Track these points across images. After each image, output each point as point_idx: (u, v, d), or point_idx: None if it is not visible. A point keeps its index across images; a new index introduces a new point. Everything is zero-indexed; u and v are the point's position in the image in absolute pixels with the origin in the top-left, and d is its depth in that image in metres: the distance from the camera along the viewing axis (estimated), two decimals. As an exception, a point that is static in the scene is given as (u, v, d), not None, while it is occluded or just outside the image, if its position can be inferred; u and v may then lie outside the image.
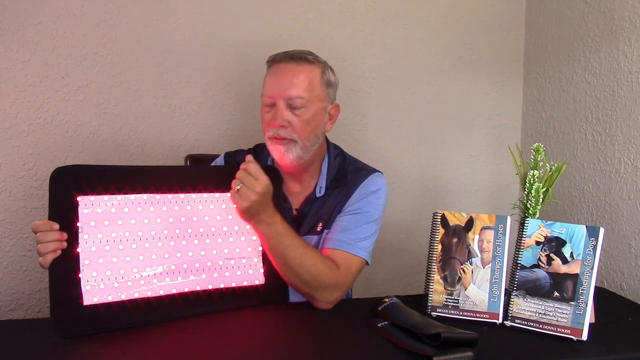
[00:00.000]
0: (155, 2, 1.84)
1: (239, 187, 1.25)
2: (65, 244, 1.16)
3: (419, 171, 2.12)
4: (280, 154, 1.37)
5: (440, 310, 1.33)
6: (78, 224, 1.18)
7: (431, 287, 1.35)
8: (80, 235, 1.18)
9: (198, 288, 1.27)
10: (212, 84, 1.91)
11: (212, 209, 1.30)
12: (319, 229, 1.43)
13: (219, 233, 1.29)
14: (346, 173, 1.46)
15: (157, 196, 1.24)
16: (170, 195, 1.26)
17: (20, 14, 1.75)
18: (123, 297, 1.20)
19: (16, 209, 1.79)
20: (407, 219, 2.12)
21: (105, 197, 1.20)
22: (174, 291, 1.25)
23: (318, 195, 1.44)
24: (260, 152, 1.50)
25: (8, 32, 1.74)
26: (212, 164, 1.53)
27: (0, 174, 1.77)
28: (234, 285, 1.30)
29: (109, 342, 1.16)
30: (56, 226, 1.16)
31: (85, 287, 1.18)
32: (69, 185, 1.19)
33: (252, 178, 1.24)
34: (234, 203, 1.27)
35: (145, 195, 1.23)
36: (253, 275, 1.33)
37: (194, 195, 1.28)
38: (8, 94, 1.76)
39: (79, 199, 1.19)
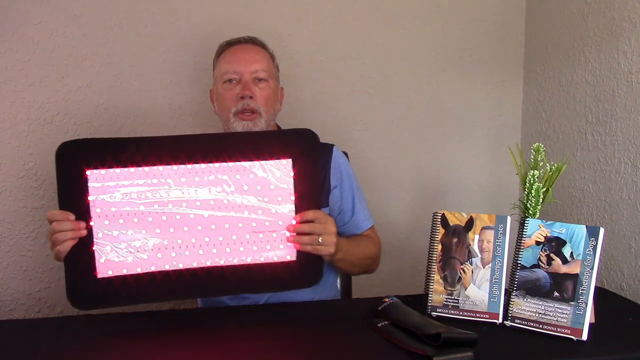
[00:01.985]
0: (155, 2, 1.84)
1: (320, 240, 1.24)
2: (84, 232, 1.15)
3: (419, 171, 2.12)
4: (247, 128, 1.41)
5: (440, 310, 1.33)
6: (89, 198, 1.15)
7: (431, 287, 1.35)
8: (92, 209, 1.15)
9: (222, 262, 1.19)
10: (212, 84, 1.91)
11: (238, 179, 1.21)
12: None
13: (246, 205, 1.21)
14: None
15: (175, 167, 1.18)
16: (189, 166, 1.18)
17: (20, 14, 1.75)
18: (139, 270, 1.16)
19: (16, 209, 1.79)
20: (407, 219, 2.12)
21: (117, 170, 1.15)
22: (194, 265, 1.18)
23: None
24: None
25: (8, 32, 1.74)
26: None
27: (0, 174, 1.77)
28: (262, 260, 1.21)
29: (110, 341, 1.16)
30: (72, 216, 1.16)
31: (99, 260, 1.15)
32: (76, 160, 1.15)
33: (321, 224, 1.25)
34: (322, 254, 1.26)
35: (161, 167, 1.17)
36: (284, 250, 1.23)
37: (216, 164, 1.20)
38: (8, 94, 1.76)
39: (87, 172, 1.15)
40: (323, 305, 1.44)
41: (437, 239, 1.36)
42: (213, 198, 1.20)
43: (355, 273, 1.56)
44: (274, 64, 1.54)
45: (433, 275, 1.35)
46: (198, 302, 1.58)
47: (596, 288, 1.23)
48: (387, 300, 1.31)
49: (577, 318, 1.21)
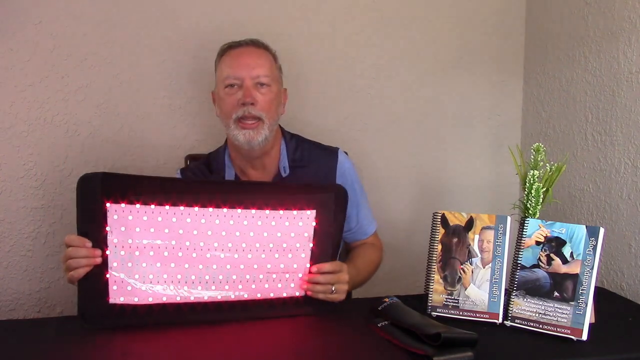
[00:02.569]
0: (155, 2, 1.84)
1: (334, 289, 1.29)
2: (99, 260, 1.17)
3: (419, 171, 2.12)
4: (250, 137, 1.40)
5: (440, 310, 1.33)
6: (107, 229, 1.17)
7: (431, 287, 1.35)
8: (109, 238, 1.17)
9: (232, 296, 1.24)
10: (212, 84, 1.90)
11: (259, 225, 1.25)
12: None
13: (264, 249, 1.25)
14: (305, 152, 1.53)
15: (196, 209, 1.21)
16: (210, 209, 1.22)
17: (20, 14, 1.75)
18: (150, 301, 1.19)
19: (16, 209, 1.79)
20: (407, 219, 2.12)
21: (137, 205, 1.18)
22: (205, 298, 1.22)
23: (284, 175, 1.50)
24: (214, 155, 1.55)
25: (8, 32, 1.74)
26: None
27: (0, 174, 1.77)
28: (272, 295, 1.26)
29: (110, 341, 1.16)
30: (89, 243, 1.17)
31: (112, 287, 1.18)
32: (97, 192, 1.17)
33: (336, 276, 1.29)
34: (333, 301, 1.30)
35: (182, 207, 1.20)
36: (294, 288, 1.29)
37: (239, 210, 1.24)
38: (8, 94, 1.76)
39: (107, 205, 1.17)
40: (323, 305, 1.44)
41: (437, 239, 1.36)
42: (231, 241, 1.24)
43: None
44: (277, 66, 1.51)
45: (433, 275, 1.35)
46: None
47: (596, 288, 1.23)
48: (387, 300, 1.31)
49: (577, 318, 1.21)
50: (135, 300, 1.19)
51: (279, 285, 1.27)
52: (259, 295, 1.25)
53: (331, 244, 1.31)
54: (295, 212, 1.27)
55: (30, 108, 1.78)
